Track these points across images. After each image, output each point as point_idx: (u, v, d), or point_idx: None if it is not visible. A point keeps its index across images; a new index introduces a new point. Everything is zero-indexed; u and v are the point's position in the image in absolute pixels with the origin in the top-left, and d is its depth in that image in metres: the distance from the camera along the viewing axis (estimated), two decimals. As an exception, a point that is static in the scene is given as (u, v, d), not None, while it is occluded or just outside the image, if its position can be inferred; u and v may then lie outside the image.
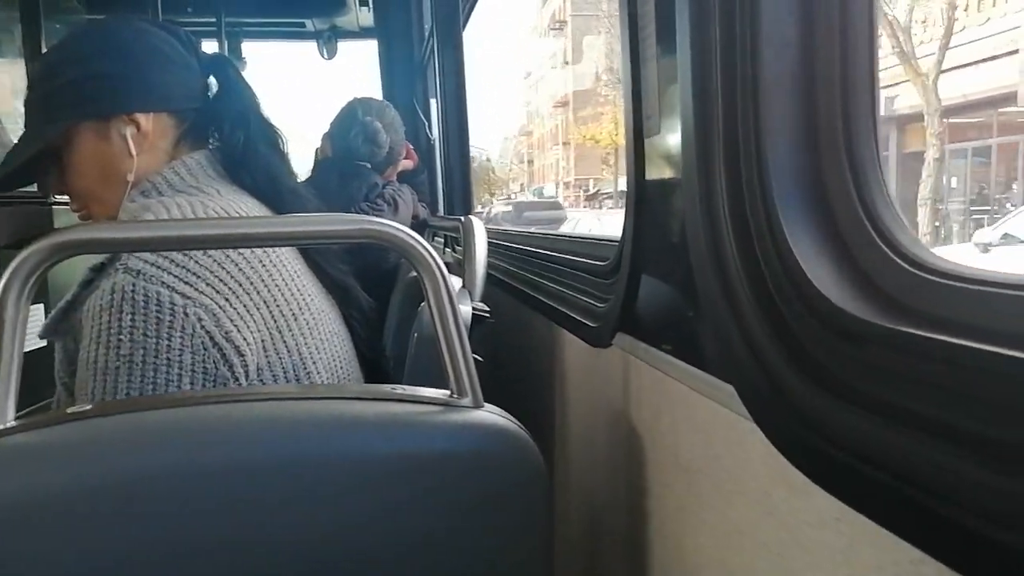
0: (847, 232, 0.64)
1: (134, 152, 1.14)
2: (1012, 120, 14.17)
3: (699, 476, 0.81)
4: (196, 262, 0.99)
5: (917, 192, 14.79)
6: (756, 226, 0.67)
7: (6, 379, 0.71)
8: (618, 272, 1.04)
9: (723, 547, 0.77)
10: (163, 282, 0.96)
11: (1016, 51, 12.41)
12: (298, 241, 1.03)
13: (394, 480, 0.77)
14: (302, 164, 2.56)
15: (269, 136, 1.25)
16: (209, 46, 1.27)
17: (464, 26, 3.10)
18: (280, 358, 1.05)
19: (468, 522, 0.79)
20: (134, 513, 0.71)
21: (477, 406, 0.80)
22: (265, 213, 1.18)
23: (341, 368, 1.17)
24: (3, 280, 0.71)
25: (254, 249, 1.06)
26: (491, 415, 0.80)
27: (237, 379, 0.99)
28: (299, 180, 1.41)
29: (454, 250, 2.75)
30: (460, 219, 1.69)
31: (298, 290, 1.12)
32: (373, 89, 4.04)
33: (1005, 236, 9.41)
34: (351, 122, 2.58)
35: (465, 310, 1.22)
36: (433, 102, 3.52)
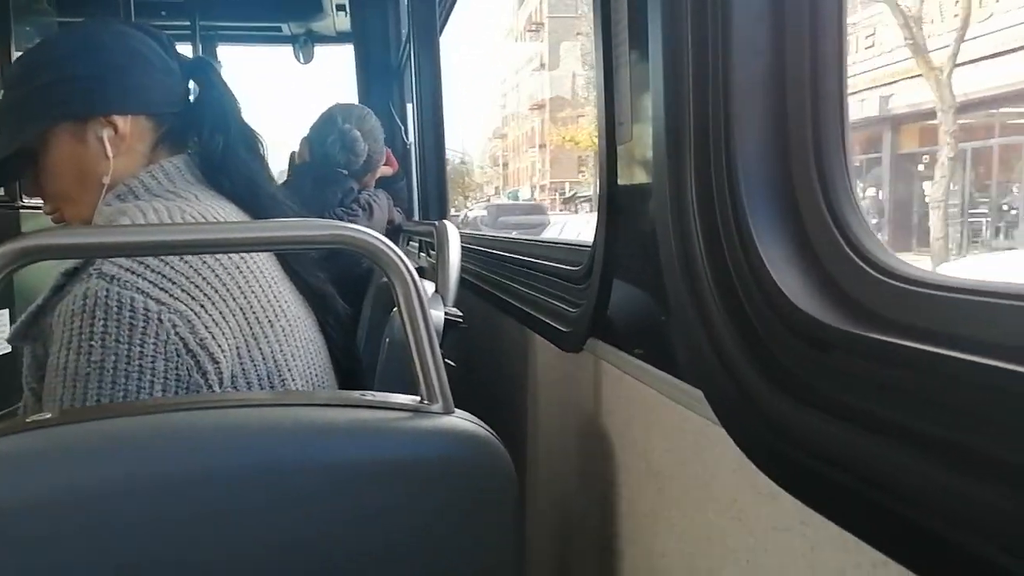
0: (815, 238, 0.64)
1: (110, 154, 1.14)
2: (1006, 121, 13.84)
3: (669, 481, 0.81)
4: (172, 268, 0.98)
5: (914, 194, 14.38)
6: (726, 232, 0.67)
7: (-32, 385, 0.70)
8: (590, 277, 1.05)
9: (692, 552, 0.77)
10: (138, 288, 0.94)
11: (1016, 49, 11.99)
12: (268, 246, 1.02)
13: (364, 487, 0.76)
14: (276, 168, 2.54)
15: (249, 141, 1.25)
16: (183, 50, 1.26)
17: (441, 31, 3.10)
18: (255, 365, 1.04)
19: (438, 528, 0.78)
20: (96, 525, 0.69)
21: (447, 412, 0.80)
22: (243, 218, 1.18)
23: (316, 376, 1.16)
24: (-35, 285, 0.70)
25: (231, 255, 1.05)
26: (461, 421, 0.80)
27: (211, 386, 0.98)
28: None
29: (428, 254, 2.74)
30: (434, 224, 1.68)
31: (274, 297, 1.11)
32: (349, 93, 4.03)
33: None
34: (330, 128, 2.57)
35: (437, 315, 1.22)
36: (409, 106, 3.51)
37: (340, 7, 3.95)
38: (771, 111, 0.67)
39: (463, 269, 1.54)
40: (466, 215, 25.32)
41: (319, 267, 1.27)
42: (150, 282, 0.95)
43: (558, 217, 25.18)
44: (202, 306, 0.99)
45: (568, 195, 43.06)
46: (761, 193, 0.66)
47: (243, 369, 1.03)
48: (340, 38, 4.24)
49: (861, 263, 0.59)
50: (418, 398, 0.81)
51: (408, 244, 3.06)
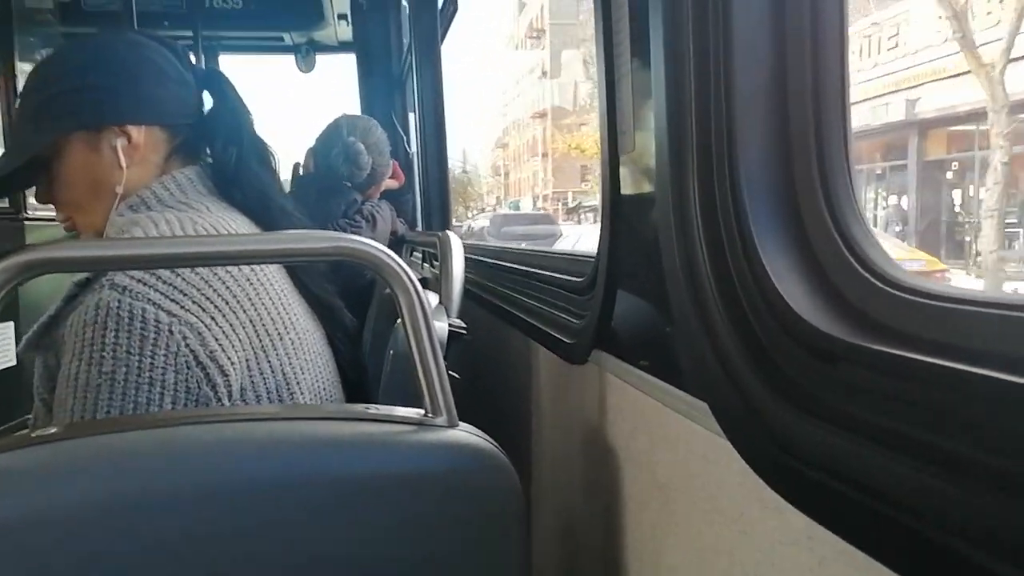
0: (819, 248, 0.64)
1: (124, 164, 1.14)
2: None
3: (675, 494, 0.81)
4: (183, 279, 0.98)
5: (943, 203, 13.44)
6: (729, 242, 0.67)
7: (-28, 400, 0.70)
8: (594, 288, 1.04)
9: (699, 566, 0.77)
10: (149, 299, 0.95)
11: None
12: (271, 259, 1.02)
13: (369, 501, 0.76)
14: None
15: (261, 153, 1.25)
16: (185, 60, 1.26)
17: (442, 40, 3.10)
18: (264, 378, 1.04)
19: (444, 542, 0.78)
20: (102, 540, 0.69)
21: (452, 425, 0.80)
22: (254, 230, 1.18)
23: (324, 388, 1.16)
24: (-32, 299, 0.70)
25: (241, 267, 1.06)
26: (466, 434, 0.80)
27: (220, 399, 0.98)
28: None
29: (432, 265, 2.74)
30: (437, 235, 1.68)
31: (284, 309, 1.11)
32: (351, 102, 4.03)
33: None
34: (334, 141, 2.57)
35: (441, 327, 1.21)
36: (411, 116, 3.51)
37: (342, 16, 3.95)
38: (773, 120, 0.67)
39: (466, 280, 1.54)
40: (470, 226, 23.63)
41: (328, 280, 1.28)
42: (161, 293, 0.96)
43: (572, 228, 22.02)
44: (212, 318, 0.99)
45: (572, 205, 42.95)
46: (764, 203, 0.66)
47: (252, 381, 1.03)
48: (342, 47, 4.24)
49: (865, 273, 0.59)
50: (422, 411, 0.80)
51: (411, 255, 3.06)
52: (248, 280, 1.06)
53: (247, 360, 1.02)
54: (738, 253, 0.66)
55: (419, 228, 3.30)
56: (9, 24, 2.98)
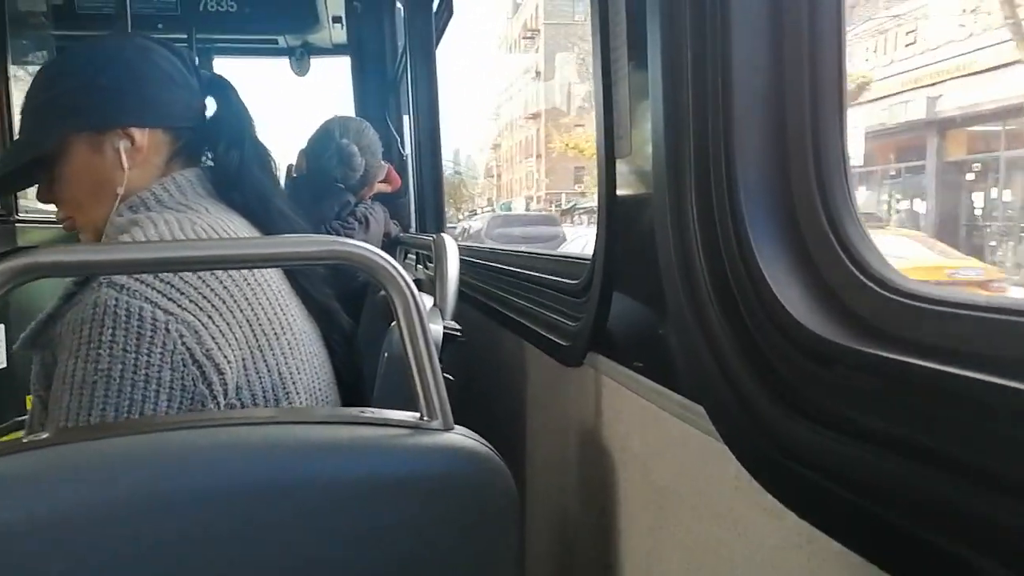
0: (816, 251, 0.64)
1: (126, 166, 1.15)
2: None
3: (671, 497, 0.81)
4: (181, 278, 0.99)
5: (963, 205, 12.99)
6: (726, 245, 0.67)
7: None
8: (590, 290, 1.04)
9: (695, 569, 0.76)
10: (147, 297, 0.96)
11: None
12: (265, 263, 1.02)
13: (364, 504, 0.76)
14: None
15: (262, 158, 1.26)
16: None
17: (437, 44, 3.10)
18: (260, 377, 1.05)
19: (438, 545, 0.78)
20: (94, 547, 0.68)
21: (447, 428, 0.79)
22: (252, 232, 1.19)
23: (320, 389, 1.17)
24: (-41, 303, 0.69)
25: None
26: (461, 437, 0.79)
27: (215, 397, 0.99)
28: None
29: (426, 267, 2.74)
30: (432, 237, 1.68)
31: (281, 310, 1.12)
32: (346, 104, 4.02)
33: None
34: (327, 142, 2.57)
35: (436, 329, 1.21)
36: (406, 118, 3.51)
37: (336, 19, 3.94)
38: (771, 123, 0.67)
39: (461, 282, 1.53)
40: (469, 227, 22.14)
41: (325, 282, 1.28)
42: (159, 292, 0.97)
43: (576, 230, 20.34)
44: (209, 317, 1.00)
45: (566, 207, 42.84)
46: (761, 205, 0.66)
47: (248, 381, 1.04)
48: (336, 50, 4.23)
49: (862, 276, 0.59)
50: (417, 414, 0.80)
51: (405, 257, 3.05)
52: (245, 280, 1.07)
53: (243, 359, 1.03)
54: (735, 256, 0.66)
55: (413, 230, 3.29)
56: (3, 27, 2.97)
